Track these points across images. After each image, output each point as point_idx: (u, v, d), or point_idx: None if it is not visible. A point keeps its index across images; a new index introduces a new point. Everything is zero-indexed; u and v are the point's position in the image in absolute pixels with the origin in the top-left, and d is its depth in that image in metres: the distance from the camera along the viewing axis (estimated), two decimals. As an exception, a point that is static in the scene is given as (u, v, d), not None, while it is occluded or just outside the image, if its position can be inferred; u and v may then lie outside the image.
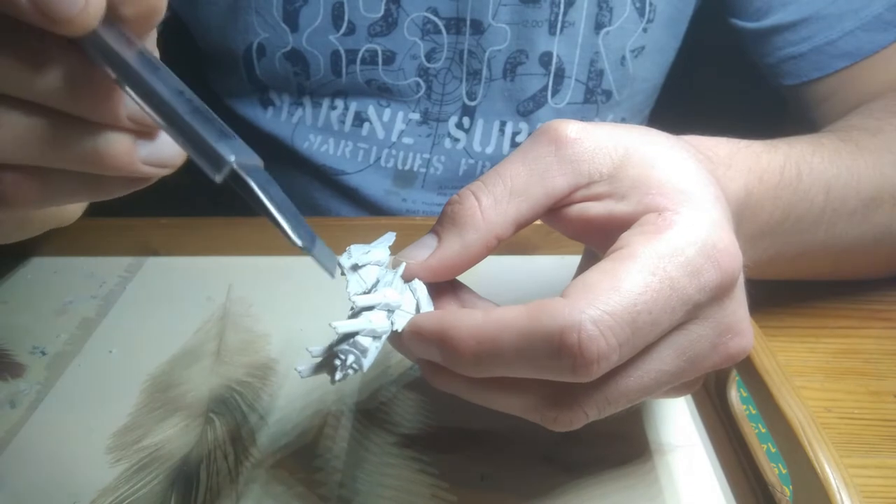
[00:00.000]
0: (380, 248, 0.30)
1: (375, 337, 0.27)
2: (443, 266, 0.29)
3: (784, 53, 0.57)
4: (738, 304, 0.27)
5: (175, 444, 0.37)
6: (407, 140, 0.61)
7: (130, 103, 0.22)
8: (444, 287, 0.31)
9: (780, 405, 0.31)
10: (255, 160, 0.22)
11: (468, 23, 0.56)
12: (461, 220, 0.29)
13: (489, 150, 0.61)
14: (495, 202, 0.28)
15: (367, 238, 0.32)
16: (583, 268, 0.36)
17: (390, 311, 0.28)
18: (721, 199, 0.28)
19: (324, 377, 0.28)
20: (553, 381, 0.25)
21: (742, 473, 0.35)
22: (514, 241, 0.44)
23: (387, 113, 0.60)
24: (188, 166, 0.24)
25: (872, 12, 0.53)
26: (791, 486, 0.31)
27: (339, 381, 0.27)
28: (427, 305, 0.29)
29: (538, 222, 0.31)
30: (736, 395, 0.37)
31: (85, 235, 0.51)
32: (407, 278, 0.29)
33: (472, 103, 0.60)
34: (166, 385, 0.41)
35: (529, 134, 0.54)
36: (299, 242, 0.23)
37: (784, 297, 0.47)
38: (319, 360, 0.28)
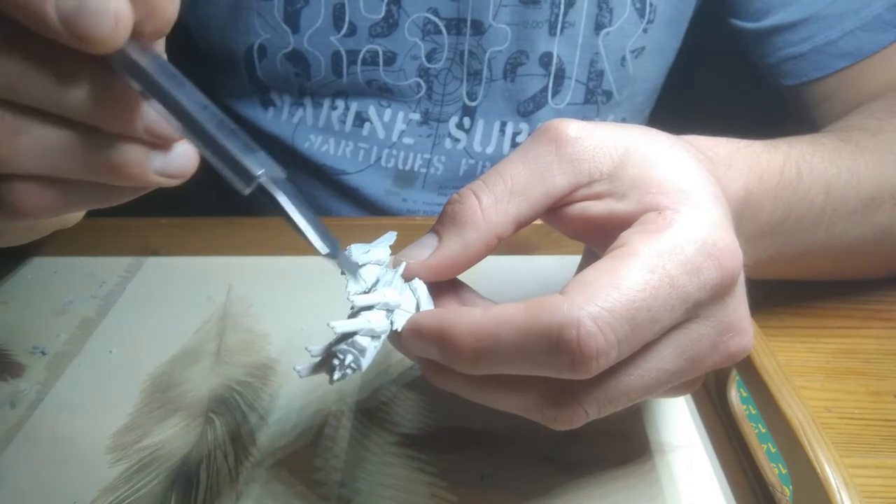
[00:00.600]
0: (380, 248, 0.30)
1: (374, 336, 0.27)
2: (443, 265, 0.29)
3: (784, 53, 0.57)
4: (739, 302, 0.27)
5: (175, 444, 0.37)
6: (407, 140, 0.61)
7: (147, 115, 0.22)
8: (445, 286, 0.31)
9: (780, 405, 0.31)
10: (280, 172, 0.23)
11: (469, 23, 0.56)
12: (461, 219, 0.29)
13: (489, 150, 0.61)
14: (496, 201, 0.28)
15: (368, 238, 0.32)
16: (583, 267, 0.36)
17: (389, 310, 0.28)
18: (721, 199, 0.28)
19: (323, 377, 0.28)
20: (553, 379, 0.25)
21: (742, 473, 0.35)
22: (514, 241, 0.44)
23: (387, 113, 0.60)
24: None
25: (872, 12, 0.53)
26: (791, 486, 0.31)
27: (338, 380, 0.27)
28: (427, 305, 0.29)
29: (538, 222, 0.31)
30: (736, 395, 0.37)
31: (85, 235, 0.51)
32: (407, 278, 0.29)
33: (473, 104, 0.60)
34: (166, 385, 0.41)
35: (530, 134, 0.54)
36: (325, 251, 0.24)
37: (784, 297, 0.47)
38: (318, 359, 0.28)
